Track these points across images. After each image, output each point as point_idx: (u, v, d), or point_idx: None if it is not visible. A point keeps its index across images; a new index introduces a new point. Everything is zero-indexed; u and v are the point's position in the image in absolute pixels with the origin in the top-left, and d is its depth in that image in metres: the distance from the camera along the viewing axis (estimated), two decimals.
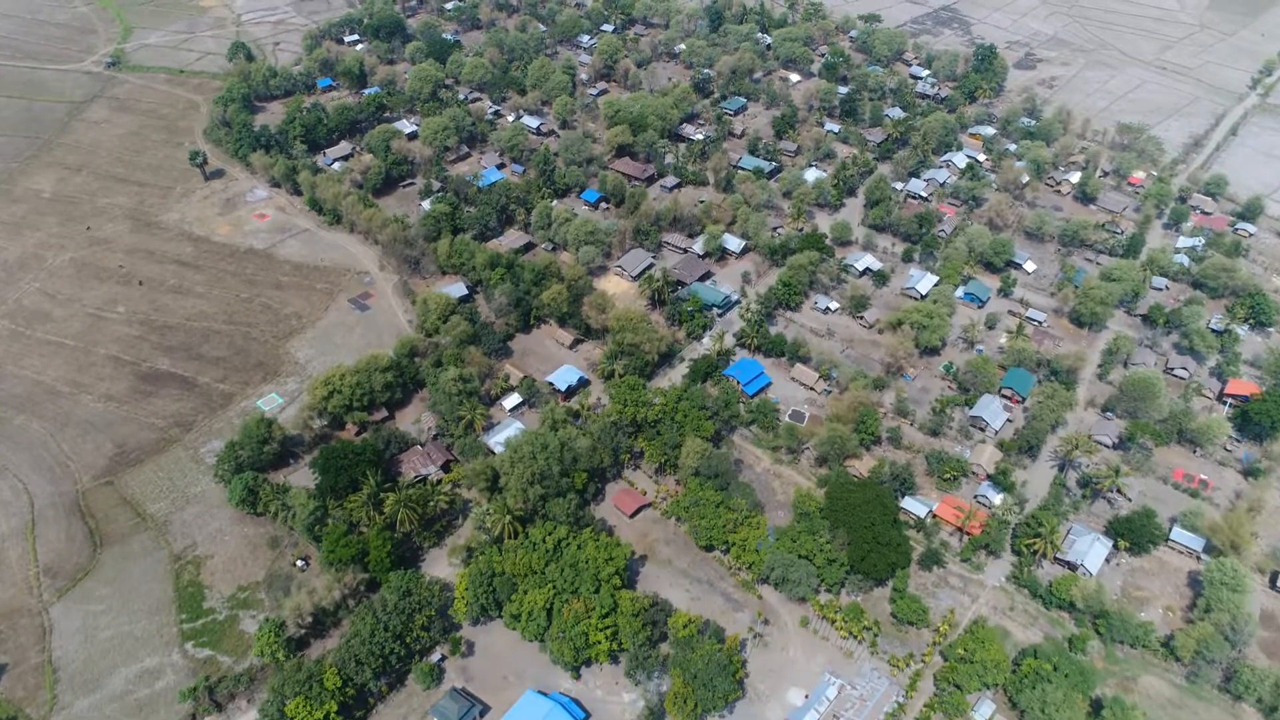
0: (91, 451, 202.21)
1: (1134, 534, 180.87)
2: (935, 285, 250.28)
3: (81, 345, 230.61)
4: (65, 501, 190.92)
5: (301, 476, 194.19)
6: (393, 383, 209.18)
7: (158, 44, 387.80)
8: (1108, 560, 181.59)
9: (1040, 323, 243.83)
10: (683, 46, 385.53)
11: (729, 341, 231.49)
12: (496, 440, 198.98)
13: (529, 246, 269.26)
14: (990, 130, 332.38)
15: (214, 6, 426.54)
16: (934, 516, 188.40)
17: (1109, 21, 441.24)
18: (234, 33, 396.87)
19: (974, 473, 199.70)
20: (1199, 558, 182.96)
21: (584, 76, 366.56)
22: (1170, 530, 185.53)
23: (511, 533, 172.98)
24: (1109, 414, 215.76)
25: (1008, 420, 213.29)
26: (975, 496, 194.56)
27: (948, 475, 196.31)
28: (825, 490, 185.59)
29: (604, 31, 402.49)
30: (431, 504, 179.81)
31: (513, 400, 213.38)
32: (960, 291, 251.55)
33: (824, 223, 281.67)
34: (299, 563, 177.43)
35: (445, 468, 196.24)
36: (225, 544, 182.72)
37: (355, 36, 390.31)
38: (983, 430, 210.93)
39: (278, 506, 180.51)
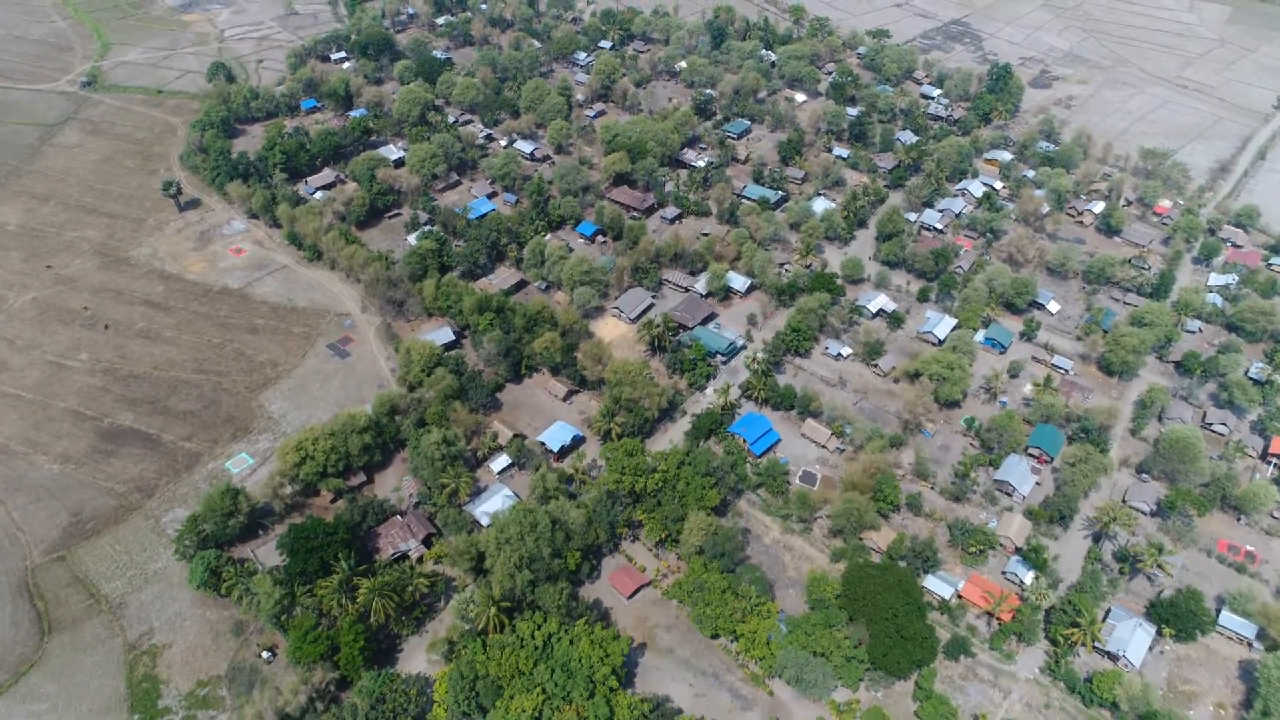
0: (45, 521, 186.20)
1: (1180, 620, 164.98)
2: (954, 329, 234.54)
3: (39, 398, 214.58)
4: (14, 580, 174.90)
5: (271, 550, 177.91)
6: (371, 444, 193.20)
7: (136, 62, 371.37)
8: (1150, 648, 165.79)
9: (1067, 371, 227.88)
10: (683, 65, 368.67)
11: (734, 394, 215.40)
12: (483, 510, 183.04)
13: (521, 285, 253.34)
14: (1007, 155, 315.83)
15: (197, 22, 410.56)
16: (960, 598, 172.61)
17: (1126, 36, 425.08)
18: (216, 50, 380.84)
19: (1002, 545, 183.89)
20: (1250, 645, 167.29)
21: (580, 97, 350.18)
22: (1219, 614, 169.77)
23: (497, 625, 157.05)
24: (1144, 475, 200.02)
25: (1036, 484, 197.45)
26: (1004, 573, 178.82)
27: (973, 549, 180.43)
28: (842, 574, 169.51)
29: (601, 49, 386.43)
30: (410, 589, 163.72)
31: (501, 462, 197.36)
32: (980, 336, 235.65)
33: (834, 257, 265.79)
34: (264, 654, 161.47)
35: (427, 541, 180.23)
36: (185, 631, 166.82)
37: (342, 54, 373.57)
38: (1009, 495, 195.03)
39: (241, 591, 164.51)
